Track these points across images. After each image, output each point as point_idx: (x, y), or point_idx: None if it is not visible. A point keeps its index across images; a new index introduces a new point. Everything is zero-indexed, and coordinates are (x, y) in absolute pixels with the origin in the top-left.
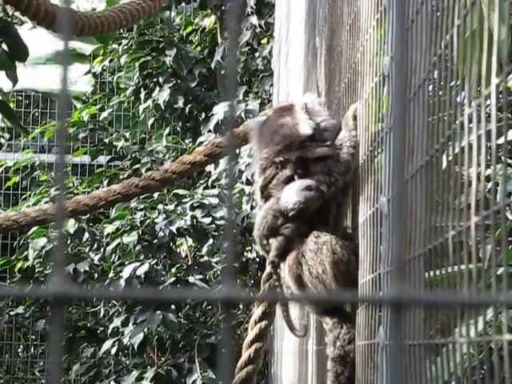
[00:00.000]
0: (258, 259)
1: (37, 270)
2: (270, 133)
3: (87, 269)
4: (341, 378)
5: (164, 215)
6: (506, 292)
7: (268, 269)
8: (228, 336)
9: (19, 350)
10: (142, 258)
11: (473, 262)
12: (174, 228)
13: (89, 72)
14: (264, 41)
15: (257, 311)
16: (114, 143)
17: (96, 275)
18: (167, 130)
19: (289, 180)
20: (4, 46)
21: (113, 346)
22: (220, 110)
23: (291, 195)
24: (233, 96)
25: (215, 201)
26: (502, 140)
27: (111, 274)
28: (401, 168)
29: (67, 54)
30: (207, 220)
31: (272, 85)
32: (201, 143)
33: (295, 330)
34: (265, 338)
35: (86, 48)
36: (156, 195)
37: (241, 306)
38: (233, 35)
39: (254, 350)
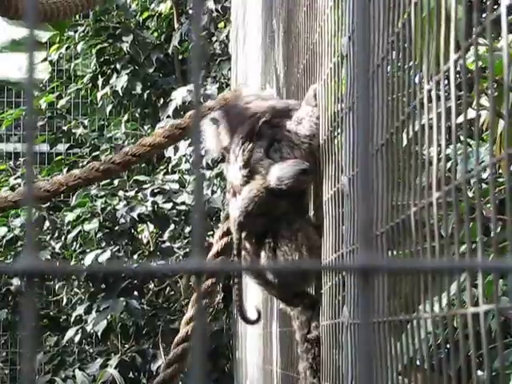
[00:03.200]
0: None
1: None
2: (239, 114)
3: (48, 257)
4: (317, 360)
5: (125, 202)
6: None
7: (214, 248)
8: (201, 307)
9: None
10: (103, 245)
11: (435, 239)
12: (135, 214)
13: (45, 60)
14: (221, 25)
15: None
16: (73, 131)
17: (58, 263)
18: (126, 117)
19: (269, 147)
20: None
21: (76, 334)
22: (178, 96)
23: (284, 179)
24: (197, 78)
25: (176, 186)
26: (461, 119)
27: (73, 262)
28: (366, 136)
29: (33, 43)
30: (168, 205)
31: (230, 69)
32: (160, 128)
33: (246, 317)
34: (204, 316)
35: (42, 35)
36: (116, 182)
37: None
38: (196, 18)
39: (192, 327)
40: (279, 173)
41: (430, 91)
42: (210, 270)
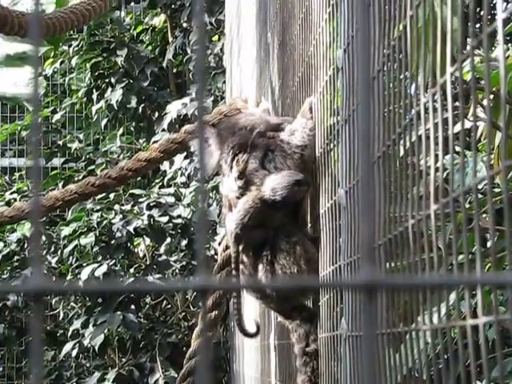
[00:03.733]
0: (216, 256)
1: None
2: (229, 128)
3: (45, 272)
4: (316, 373)
5: (121, 215)
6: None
7: (219, 260)
8: (206, 324)
9: None
10: (99, 259)
11: (433, 250)
12: (131, 228)
13: (40, 74)
14: (215, 38)
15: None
16: (68, 145)
17: (54, 278)
18: (121, 131)
19: (264, 158)
20: None
21: (73, 348)
22: (173, 109)
23: (278, 189)
24: (202, 90)
25: (171, 199)
26: (457, 129)
27: (69, 277)
28: (367, 147)
29: (38, 58)
30: (164, 219)
31: (225, 82)
32: (155, 142)
33: (246, 330)
34: (215, 329)
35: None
36: (112, 196)
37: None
38: (200, 31)
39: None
40: (273, 183)
41: (426, 104)
42: (215, 288)
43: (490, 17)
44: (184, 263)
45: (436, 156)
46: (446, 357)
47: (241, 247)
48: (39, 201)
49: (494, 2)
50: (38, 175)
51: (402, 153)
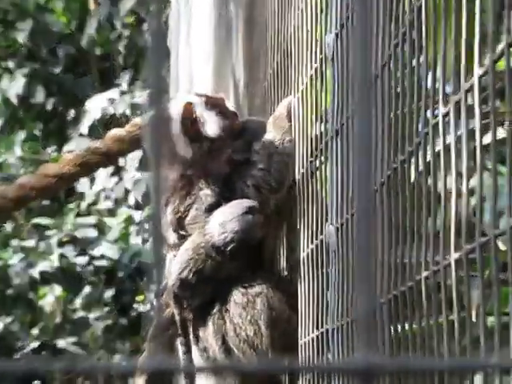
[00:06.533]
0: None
1: None
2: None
3: None
4: None
5: (21, 255)
6: (498, 351)
7: (154, 324)
8: None
9: None
10: None
11: (454, 309)
12: (35, 272)
13: None
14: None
15: None
16: None
17: None
18: (22, 135)
19: (213, 207)
20: None
21: None
22: (95, 106)
23: (227, 222)
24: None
25: (93, 233)
26: (487, 140)
27: None
28: (367, 177)
29: None
30: (82, 260)
31: (169, 68)
32: (69, 152)
33: None
34: None
35: None
36: (9, 227)
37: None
38: None
39: None
40: (221, 218)
41: (446, 115)
42: (172, 371)
43: None
44: (109, 322)
45: (460, 177)
46: None
47: (185, 305)
48: None
49: None
50: None
51: (412, 176)
